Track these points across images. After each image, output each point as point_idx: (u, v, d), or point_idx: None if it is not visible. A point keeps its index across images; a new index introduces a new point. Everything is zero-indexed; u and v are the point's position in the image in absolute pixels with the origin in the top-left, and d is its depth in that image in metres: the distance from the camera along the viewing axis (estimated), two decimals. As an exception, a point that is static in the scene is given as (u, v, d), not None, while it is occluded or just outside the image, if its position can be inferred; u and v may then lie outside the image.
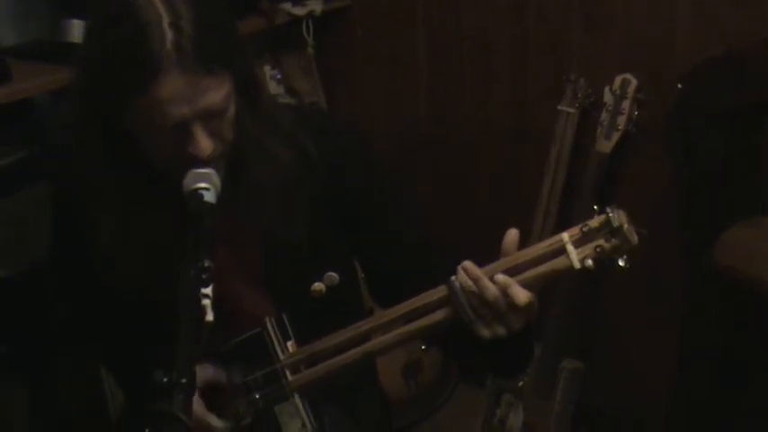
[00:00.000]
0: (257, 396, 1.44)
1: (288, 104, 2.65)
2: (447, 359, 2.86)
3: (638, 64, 2.37)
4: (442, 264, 1.39)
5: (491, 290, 1.30)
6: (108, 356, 1.77)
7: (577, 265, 1.26)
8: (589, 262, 1.26)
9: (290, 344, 1.45)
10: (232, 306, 1.48)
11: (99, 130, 1.38)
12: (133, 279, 1.45)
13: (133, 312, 1.50)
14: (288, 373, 1.43)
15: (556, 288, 2.51)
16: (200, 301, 1.23)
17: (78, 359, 2.34)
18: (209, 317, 1.22)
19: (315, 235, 1.49)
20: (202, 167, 1.35)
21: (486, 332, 1.33)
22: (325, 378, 1.42)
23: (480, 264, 1.33)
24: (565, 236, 1.27)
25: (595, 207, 1.31)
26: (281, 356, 1.44)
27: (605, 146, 2.38)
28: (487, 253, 1.34)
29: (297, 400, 1.44)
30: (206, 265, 1.25)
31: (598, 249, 1.25)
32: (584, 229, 1.26)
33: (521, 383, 2.58)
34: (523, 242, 1.34)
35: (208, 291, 1.24)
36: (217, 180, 1.36)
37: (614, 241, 1.24)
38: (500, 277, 1.30)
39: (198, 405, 1.43)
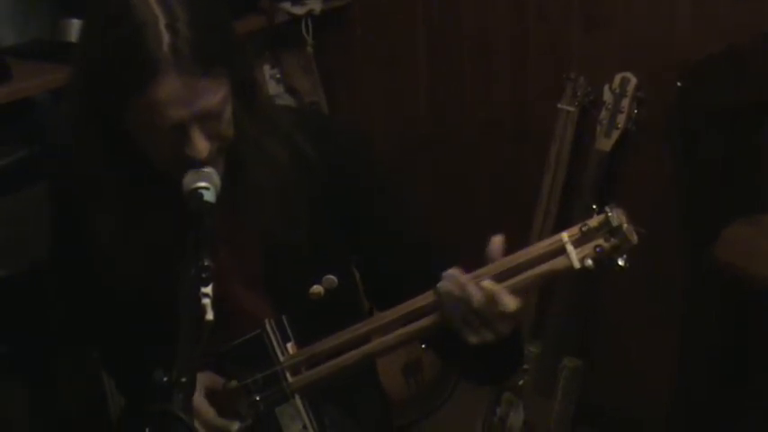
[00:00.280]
0: (258, 398, 1.44)
1: (287, 106, 2.65)
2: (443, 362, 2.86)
3: (638, 63, 2.37)
4: (441, 264, 1.39)
5: (477, 296, 1.28)
6: (108, 357, 1.77)
7: (577, 264, 1.25)
8: (589, 262, 1.25)
9: (289, 345, 1.44)
10: (232, 306, 1.47)
11: (99, 130, 1.38)
12: (133, 279, 1.45)
13: (133, 312, 1.50)
14: (288, 374, 1.43)
15: (556, 287, 2.51)
16: (200, 300, 1.22)
17: (78, 359, 2.34)
18: (210, 316, 1.22)
19: (315, 235, 1.49)
20: (202, 167, 1.34)
21: (473, 338, 1.32)
22: (325, 379, 1.42)
23: (472, 267, 1.32)
24: (564, 235, 1.26)
25: (594, 206, 1.30)
26: (281, 358, 1.43)
27: (605, 144, 2.38)
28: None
29: (297, 401, 1.44)
30: (206, 264, 1.25)
31: (598, 249, 1.25)
32: (583, 229, 1.25)
33: (521, 382, 2.58)
34: (523, 242, 1.34)
35: (208, 290, 1.24)
36: (217, 179, 1.36)
37: (614, 241, 1.24)
38: (487, 284, 1.29)
39: (209, 409, 1.43)
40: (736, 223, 2.12)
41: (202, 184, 1.34)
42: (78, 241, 1.50)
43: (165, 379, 1.16)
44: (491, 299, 1.28)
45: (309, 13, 2.85)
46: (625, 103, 2.34)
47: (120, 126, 1.35)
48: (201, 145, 1.33)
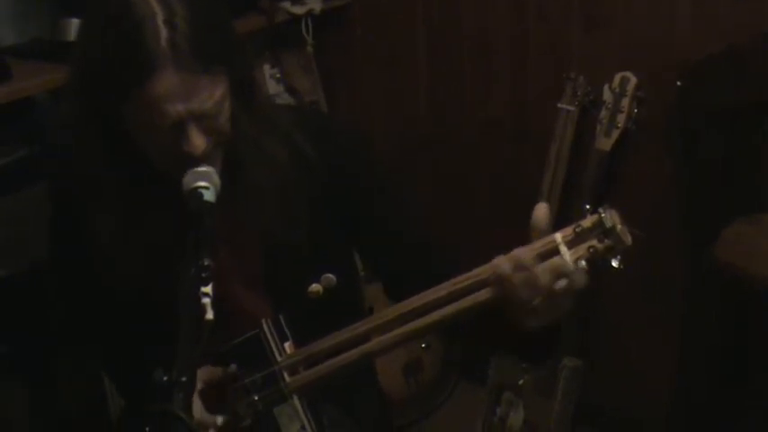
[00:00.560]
0: (256, 398, 1.43)
1: (287, 105, 2.66)
2: (463, 348, 2.84)
3: (638, 62, 2.37)
4: (442, 264, 1.38)
5: (542, 275, 1.23)
6: (108, 358, 1.77)
7: (570, 266, 1.24)
8: (582, 263, 1.23)
9: (287, 345, 1.44)
10: (232, 306, 1.47)
11: (99, 130, 1.38)
12: (133, 279, 1.45)
13: (133, 312, 1.50)
14: (286, 374, 1.43)
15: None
16: (199, 299, 1.22)
17: (78, 359, 2.34)
18: (209, 315, 1.22)
19: (315, 235, 1.49)
20: (200, 166, 1.34)
21: (534, 322, 1.27)
22: (323, 379, 1.41)
23: (472, 267, 1.29)
24: (558, 236, 1.25)
25: (588, 207, 1.29)
26: (279, 358, 1.43)
27: (605, 144, 2.38)
28: (487, 253, 1.32)
29: (295, 401, 1.43)
30: (206, 263, 1.25)
31: (591, 250, 1.23)
32: (576, 230, 1.24)
33: (521, 382, 2.58)
34: (523, 242, 1.33)
35: (208, 289, 1.24)
36: (216, 179, 1.36)
37: (607, 242, 1.22)
38: (556, 261, 1.23)
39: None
40: (736, 223, 2.11)
41: (202, 183, 1.34)
42: (78, 241, 1.50)
43: (164, 378, 1.16)
44: (561, 275, 1.23)
45: (309, 13, 2.85)
46: (625, 102, 2.34)
47: (119, 126, 1.35)
48: (198, 141, 1.33)
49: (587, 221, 1.23)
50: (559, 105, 2.50)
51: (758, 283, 2.03)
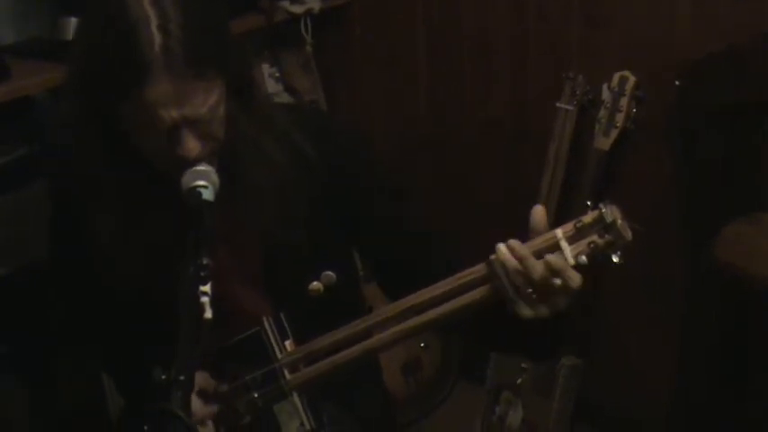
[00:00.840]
0: (256, 395, 1.44)
1: (287, 104, 2.65)
2: (464, 344, 2.84)
3: (638, 62, 2.37)
4: (442, 264, 1.38)
5: (538, 270, 1.25)
6: (108, 357, 1.77)
7: (571, 261, 1.25)
8: (583, 258, 1.25)
9: (288, 343, 1.45)
10: (231, 305, 1.48)
11: (99, 130, 1.38)
12: (133, 279, 1.45)
13: (133, 312, 1.50)
14: (286, 372, 1.43)
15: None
16: (198, 298, 1.23)
17: (78, 359, 2.34)
18: (208, 314, 1.22)
19: (315, 235, 1.49)
20: (199, 164, 1.34)
21: (528, 312, 1.29)
22: (323, 376, 1.42)
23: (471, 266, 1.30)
24: (558, 232, 1.26)
25: (588, 203, 1.30)
26: (279, 356, 1.44)
27: (604, 143, 2.38)
28: (488, 253, 1.33)
29: (295, 398, 1.44)
30: (205, 262, 1.25)
31: (591, 245, 1.24)
32: (577, 225, 1.25)
33: (519, 381, 2.58)
34: (523, 242, 1.33)
35: (206, 288, 1.24)
36: (215, 178, 1.36)
37: (608, 237, 1.24)
38: (552, 258, 1.25)
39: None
40: (736, 221, 2.11)
41: (201, 182, 1.34)
42: (78, 241, 1.50)
43: (163, 377, 1.16)
44: (555, 273, 1.25)
45: (308, 12, 2.85)
46: (624, 102, 2.34)
47: (119, 126, 1.35)
48: (191, 145, 1.33)
49: (588, 217, 1.24)
50: (558, 105, 2.50)
51: (758, 282, 2.02)
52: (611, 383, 2.68)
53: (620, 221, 1.23)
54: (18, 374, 2.36)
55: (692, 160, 2.29)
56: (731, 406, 2.28)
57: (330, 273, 1.53)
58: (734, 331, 2.26)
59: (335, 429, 1.54)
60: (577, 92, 2.47)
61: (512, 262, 1.27)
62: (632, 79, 2.33)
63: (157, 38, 1.27)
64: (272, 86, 2.95)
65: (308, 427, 1.44)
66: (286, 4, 2.81)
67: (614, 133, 2.36)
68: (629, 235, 1.24)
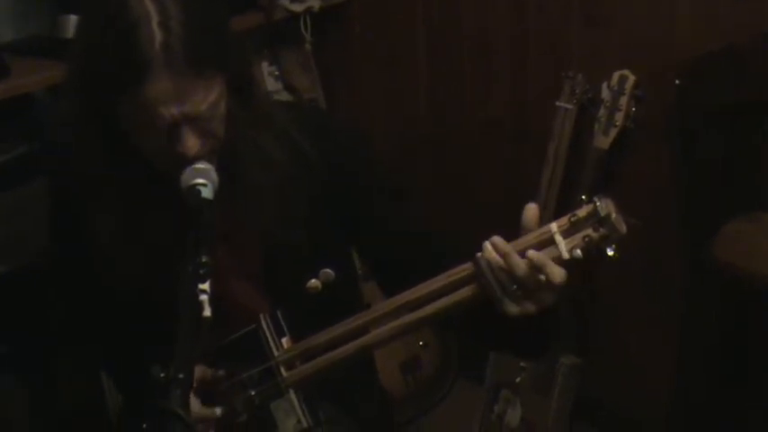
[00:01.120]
0: (252, 393, 1.44)
1: (287, 103, 2.65)
2: (463, 340, 2.84)
3: (638, 61, 2.37)
4: (442, 264, 1.38)
5: (521, 266, 1.26)
6: (107, 357, 1.77)
7: (566, 255, 1.25)
8: (577, 252, 1.25)
9: (284, 340, 1.45)
10: (231, 303, 1.48)
11: (99, 130, 1.38)
12: (133, 279, 1.45)
13: (133, 312, 1.50)
14: (282, 369, 1.43)
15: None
16: (197, 296, 1.23)
17: (78, 359, 2.34)
18: (207, 313, 1.22)
19: (314, 234, 1.49)
20: (198, 163, 1.34)
21: (513, 309, 1.30)
22: (320, 373, 1.42)
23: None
24: (553, 226, 1.26)
25: (583, 197, 1.30)
26: (276, 353, 1.43)
27: (603, 142, 2.38)
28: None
29: (292, 396, 1.44)
30: (204, 260, 1.25)
31: (586, 239, 1.24)
32: (572, 219, 1.25)
33: (518, 379, 2.58)
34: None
35: (205, 286, 1.24)
36: (214, 176, 1.36)
37: (602, 231, 1.24)
38: (533, 254, 1.26)
39: (193, 399, 1.43)
40: (736, 220, 2.11)
41: (200, 180, 1.34)
42: (78, 239, 1.50)
43: (161, 375, 1.16)
44: (537, 269, 1.26)
45: (308, 11, 2.85)
46: (623, 101, 2.33)
47: (119, 125, 1.35)
48: (191, 142, 1.33)
49: (582, 211, 1.25)
50: (558, 104, 2.49)
51: (758, 282, 2.02)
52: (610, 383, 2.68)
53: (614, 215, 1.23)
54: (18, 374, 2.36)
55: (692, 160, 2.29)
56: (731, 406, 2.28)
57: (328, 270, 1.53)
58: (734, 331, 2.26)
59: (332, 428, 1.54)
60: (577, 91, 2.47)
61: (496, 259, 1.28)
62: (632, 78, 2.33)
63: (158, 35, 1.27)
64: (271, 85, 2.96)
65: (304, 424, 1.44)
66: (286, 3, 2.81)
67: (613, 132, 2.36)
68: (623, 228, 1.24)
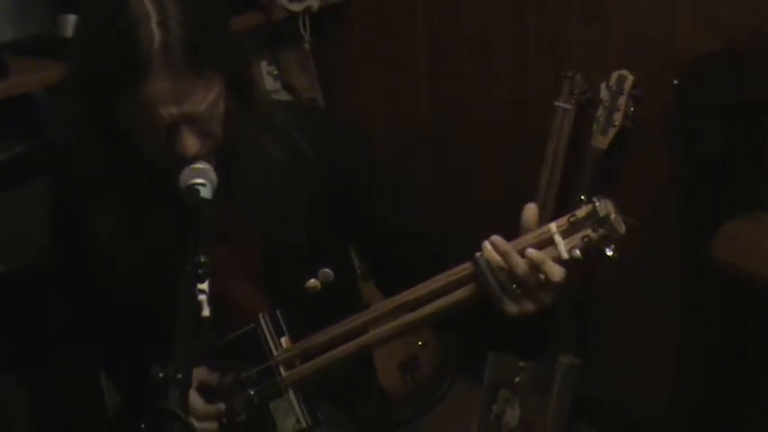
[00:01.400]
0: (252, 393, 1.44)
1: (285, 102, 2.65)
2: (461, 340, 2.84)
3: (638, 61, 2.37)
4: (442, 264, 1.38)
5: (521, 265, 1.27)
6: (107, 357, 1.77)
7: (565, 255, 1.25)
8: (576, 252, 1.25)
9: (284, 340, 1.45)
10: (230, 303, 1.48)
11: (99, 130, 1.38)
12: (133, 279, 1.45)
13: (133, 312, 1.50)
14: (282, 369, 1.43)
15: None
16: (196, 296, 1.23)
17: (78, 359, 2.34)
18: (206, 312, 1.22)
19: (314, 234, 1.49)
20: (196, 163, 1.34)
21: (513, 308, 1.30)
22: (319, 372, 1.42)
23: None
24: (552, 226, 1.27)
25: (582, 197, 1.30)
26: (275, 353, 1.44)
27: (601, 142, 2.38)
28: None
29: (291, 396, 1.44)
30: (202, 260, 1.25)
31: (585, 239, 1.25)
32: (571, 220, 1.26)
33: (517, 379, 2.58)
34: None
35: (204, 286, 1.24)
36: (213, 176, 1.36)
37: (601, 231, 1.24)
38: (532, 252, 1.26)
39: (196, 398, 1.43)
40: (735, 220, 2.11)
41: (199, 180, 1.34)
42: (78, 240, 1.50)
43: (160, 375, 1.16)
44: (536, 267, 1.26)
45: (307, 10, 2.85)
46: (622, 100, 2.33)
47: (118, 125, 1.36)
48: (190, 142, 1.33)
49: (581, 211, 1.25)
50: (556, 104, 2.49)
51: (758, 282, 2.02)
52: (610, 383, 2.68)
53: (613, 215, 1.24)
54: (18, 374, 2.36)
55: (692, 160, 2.29)
56: (731, 406, 2.28)
57: (327, 270, 1.53)
58: (734, 331, 2.26)
59: (331, 427, 1.54)
60: (576, 91, 2.47)
61: (495, 258, 1.28)
62: (630, 78, 2.33)
63: (157, 35, 1.27)
64: (270, 84, 2.95)
65: (303, 424, 1.44)
66: (285, 2, 2.81)
67: (612, 132, 2.36)
68: (622, 229, 1.24)
